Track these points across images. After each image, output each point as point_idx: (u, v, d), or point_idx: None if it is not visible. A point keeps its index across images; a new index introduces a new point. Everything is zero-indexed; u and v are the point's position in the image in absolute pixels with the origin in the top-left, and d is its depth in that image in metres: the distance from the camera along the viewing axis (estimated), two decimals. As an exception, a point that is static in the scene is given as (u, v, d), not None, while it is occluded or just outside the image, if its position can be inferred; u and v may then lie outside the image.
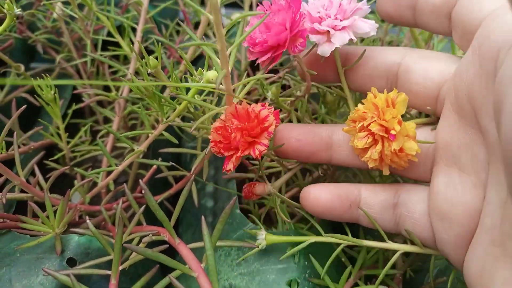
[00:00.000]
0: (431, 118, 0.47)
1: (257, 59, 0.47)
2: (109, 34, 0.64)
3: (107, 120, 0.76)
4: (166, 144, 0.61)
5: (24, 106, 0.51)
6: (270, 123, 0.44)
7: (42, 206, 0.49)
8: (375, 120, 0.42)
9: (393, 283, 0.54)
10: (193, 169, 0.52)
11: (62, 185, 0.67)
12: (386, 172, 0.44)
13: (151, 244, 0.48)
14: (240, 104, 0.46)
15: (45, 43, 0.76)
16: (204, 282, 0.39)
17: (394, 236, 0.49)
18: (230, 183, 0.64)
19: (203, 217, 0.40)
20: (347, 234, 0.49)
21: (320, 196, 0.47)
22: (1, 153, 0.52)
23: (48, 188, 0.51)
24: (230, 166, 0.45)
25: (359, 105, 0.44)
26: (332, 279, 0.50)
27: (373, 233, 0.56)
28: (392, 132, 0.41)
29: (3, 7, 0.54)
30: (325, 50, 0.45)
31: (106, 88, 0.71)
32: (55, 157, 0.60)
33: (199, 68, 0.47)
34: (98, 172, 0.55)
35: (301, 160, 0.52)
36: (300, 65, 0.49)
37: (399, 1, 0.46)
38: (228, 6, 0.95)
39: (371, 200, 0.47)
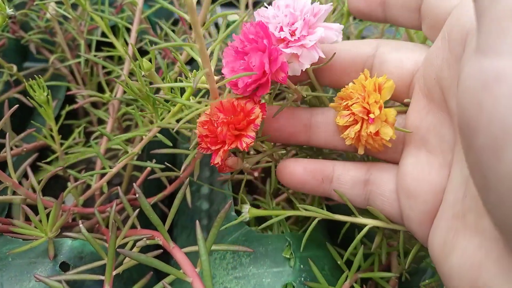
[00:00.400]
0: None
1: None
2: (103, 34, 0.63)
3: (101, 121, 0.75)
4: (160, 145, 0.61)
5: (16, 106, 0.51)
6: (256, 115, 0.44)
7: (35, 209, 0.48)
8: (359, 102, 0.43)
9: (389, 286, 0.54)
10: (182, 168, 0.52)
11: (55, 187, 0.67)
12: (361, 151, 0.46)
13: (146, 248, 0.47)
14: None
15: (38, 43, 0.75)
16: (196, 286, 0.39)
17: (365, 212, 0.50)
18: (225, 184, 0.63)
19: (197, 221, 0.40)
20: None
21: (295, 171, 0.49)
22: (-7, 155, 0.51)
23: (40, 190, 0.50)
24: (217, 159, 0.45)
25: (350, 84, 0.45)
26: (328, 282, 0.49)
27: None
28: (371, 115, 0.42)
29: (-5, 7, 0.53)
30: (295, 69, 0.45)
31: (100, 89, 0.70)
32: (48, 159, 0.59)
33: (194, 70, 0.47)
34: (91, 174, 0.55)
35: (281, 141, 0.53)
36: (289, 86, 0.49)
37: None
38: (223, 5, 0.94)
39: (343, 177, 0.48)
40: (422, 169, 0.42)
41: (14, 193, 0.50)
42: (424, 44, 0.47)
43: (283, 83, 0.45)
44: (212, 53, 0.45)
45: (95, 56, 0.66)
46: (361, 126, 0.44)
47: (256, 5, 0.85)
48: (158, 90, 0.53)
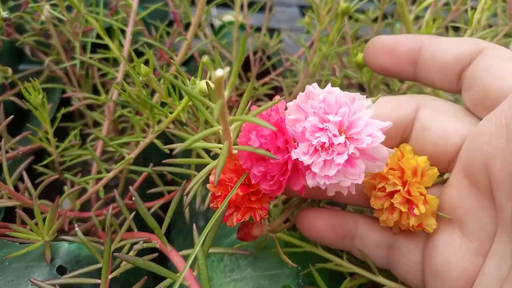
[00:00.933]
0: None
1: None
2: (98, 36, 0.63)
3: (96, 123, 0.75)
4: (157, 148, 0.61)
5: (11, 117, 0.50)
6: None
7: (31, 212, 0.48)
8: (400, 191, 0.40)
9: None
10: (184, 183, 0.51)
11: (51, 190, 0.66)
12: (395, 231, 0.43)
13: (143, 251, 0.47)
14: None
15: (33, 45, 0.75)
16: (194, 290, 0.39)
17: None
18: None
19: (194, 225, 0.40)
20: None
21: (315, 224, 0.46)
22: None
23: (37, 195, 0.50)
24: (229, 223, 0.43)
25: None
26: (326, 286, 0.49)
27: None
28: (416, 212, 0.39)
29: (-11, 10, 0.53)
30: (311, 183, 0.37)
31: (96, 91, 0.70)
32: (44, 162, 0.59)
33: (192, 77, 0.46)
34: (88, 179, 0.54)
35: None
36: None
37: (398, 54, 0.43)
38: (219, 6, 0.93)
39: (366, 237, 0.45)
40: (454, 252, 0.39)
41: (10, 197, 0.50)
42: (466, 110, 0.42)
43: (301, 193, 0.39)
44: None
45: (90, 58, 0.66)
46: (400, 216, 0.41)
47: (251, 5, 0.85)
48: (153, 92, 0.52)
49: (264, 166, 0.38)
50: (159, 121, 0.54)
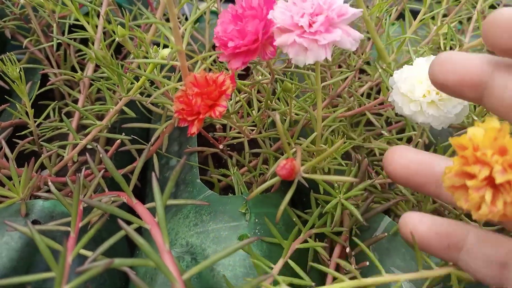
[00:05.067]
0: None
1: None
2: (77, 19, 0.67)
3: (76, 102, 0.79)
4: (133, 120, 0.65)
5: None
6: (227, 86, 0.49)
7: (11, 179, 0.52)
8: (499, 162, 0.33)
9: (340, 240, 0.59)
10: (151, 142, 0.56)
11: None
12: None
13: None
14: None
15: (14, 29, 0.79)
16: (155, 232, 0.43)
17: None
18: (192, 156, 0.68)
19: (153, 173, 0.44)
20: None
21: (417, 229, 0.41)
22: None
23: (14, 158, 0.54)
24: (193, 129, 0.49)
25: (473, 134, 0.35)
26: (282, 237, 0.54)
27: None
28: None
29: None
30: (299, 61, 0.45)
31: (75, 71, 0.74)
32: (22, 133, 0.63)
33: (155, 45, 0.51)
34: (62, 145, 0.59)
35: (410, 188, 0.49)
36: (269, 68, 0.53)
37: None
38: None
39: (476, 250, 0.39)
40: None
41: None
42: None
43: (270, 57, 0.48)
44: (183, 32, 0.49)
45: (78, 34, 0.70)
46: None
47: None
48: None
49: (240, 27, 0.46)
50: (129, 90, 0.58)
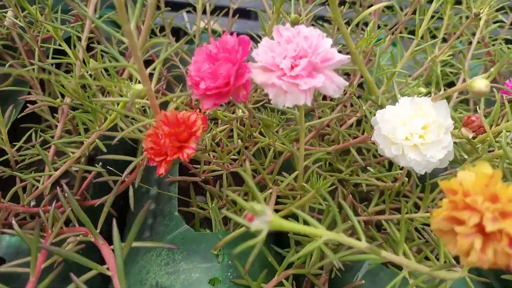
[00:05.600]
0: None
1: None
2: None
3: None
4: (115, 150, 0.64)
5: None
6: (197, 127, 0.47)
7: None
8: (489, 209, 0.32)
9: (319, 283, 0.57)
10: (125, 173, 0.54)
11: (10, 189, 0.69)
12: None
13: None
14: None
15: (1, 50, 0.78)
16: (115, 281, 0.42)
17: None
18: (172, 186, 0.66)
19: (114, 219, 0.43)
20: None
21: None
22: None
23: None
24: (161, 170, 0.47)
25: (463, 178, 0.34)
26: (256, 278, 0.52)
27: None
28: None
29: None
30: (278, 103, 0.44)
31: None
32: (2, 158, 0.62)
33: (127, 81, 0.50)
34: (34, 176, 0.57)
35: None
36: (246, 107, 0.51)
37: None
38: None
39: None
40: None
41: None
42: None
43: (242, 101, 0.46)
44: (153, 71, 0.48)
45: (52, 64, 0.69)
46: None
47: (215, 12, 0.88)
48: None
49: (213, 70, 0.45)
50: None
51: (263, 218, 0.37)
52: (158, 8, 0.84)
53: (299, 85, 0.43)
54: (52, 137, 0.64)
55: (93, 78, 0.52)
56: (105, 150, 0.54)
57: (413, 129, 0.51)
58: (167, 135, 0.46)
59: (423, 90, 0.78)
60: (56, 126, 0.76)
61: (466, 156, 0.61)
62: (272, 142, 0.63)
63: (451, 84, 0.85)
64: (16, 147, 0.63)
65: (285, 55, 0.44)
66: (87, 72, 0.62)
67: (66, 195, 0.46)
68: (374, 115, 0.54)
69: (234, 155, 0.62)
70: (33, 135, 0.70)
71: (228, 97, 0.46)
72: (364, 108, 0.58)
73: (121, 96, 0.47)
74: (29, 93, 0.77)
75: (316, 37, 0.46)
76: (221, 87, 0.45)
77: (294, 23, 0.68)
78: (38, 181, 0.61)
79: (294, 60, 0.44)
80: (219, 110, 0.60)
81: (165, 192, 0.65)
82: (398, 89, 0.57)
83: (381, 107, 0.69)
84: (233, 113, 0.61)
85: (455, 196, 0.34)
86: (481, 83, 0.45)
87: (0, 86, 0.78)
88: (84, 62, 0.61)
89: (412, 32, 0.83)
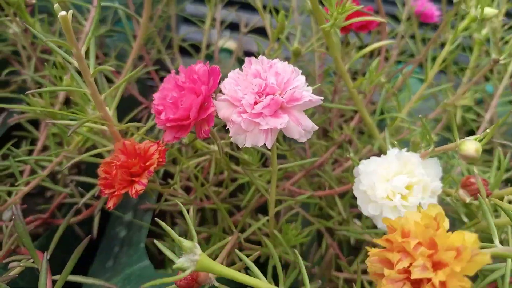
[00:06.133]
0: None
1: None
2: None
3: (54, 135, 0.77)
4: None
5: None
6: (152, 162, 0.43)
7: None
8: (430, 279, 0.29)
9: None
10: (81, 201, 0.52)
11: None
12: None
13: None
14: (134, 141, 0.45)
15: (9, 54, 0.79)
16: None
17: None
18: (147, 214, 0.63)
19: (44, 254, 0.40)
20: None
21: None
22: None
23: None
24: (110, 203, 0.43)
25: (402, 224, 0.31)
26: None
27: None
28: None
29: None
30: (237, 140, 0.40)
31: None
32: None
33: (82, 105, 0.48)
34: (7, 190, 0.56)
35: None
36: (214, 138, 0.48)
37: None
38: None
39: None
40: None
41: None
42: None
43: (204, 137, 0.43)
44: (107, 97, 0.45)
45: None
46: None
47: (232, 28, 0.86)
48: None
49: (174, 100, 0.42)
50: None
51: (191, 257, 0.33)
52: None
53: (259, 125, 0.39)
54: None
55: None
56: (66, 172, 0.52)
57: (395, 187, 0.45)
58: (119, 166, 0.43)
59: (435, 138, 0.71)
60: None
61: (466, 220, 0.55)
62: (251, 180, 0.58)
63: (471, 132, 0.77)
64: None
65: (250, 89, 0.40)
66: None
67: (14, 217, 0.44)
68: (358, 165, 0.49)
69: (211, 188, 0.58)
70: (24, 144, 0.70)
71: (188, 131, 0.43)
72: (350, 155, 0.53)
73: (77, 116, 0.44)
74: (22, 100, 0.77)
75: (289, 73, 0.41)
76: (181, 119, 0.42)
77: (296, 55, 0.65)
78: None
79: (258, 96, 0.40)
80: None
81: (138, 221, 0.63)
82: (387, 141, 0.51)
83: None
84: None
85: (393, 235, 0.31)
86: (470, 147, 0.39)
87: (2, 91, 0.79)
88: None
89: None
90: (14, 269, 0.46)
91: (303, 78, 0.41)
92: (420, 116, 0.47)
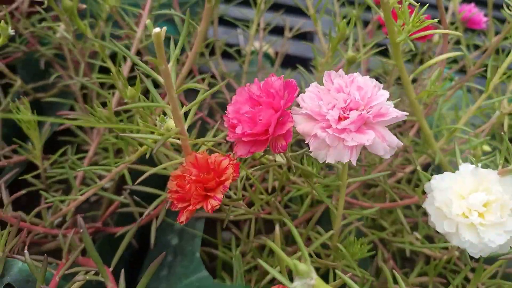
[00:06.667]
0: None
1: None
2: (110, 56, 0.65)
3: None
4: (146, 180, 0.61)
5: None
6: (227, 176, 0.42)
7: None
8: None
9: None
10: (147, 211, 0.51)
11: (37, 204, 0.68)
12: None
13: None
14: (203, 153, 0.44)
15: (52, 58, 0.78)
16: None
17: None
18: (198, 221, 0.62)
19: (122, 270, 0.40)
20: None
21: None
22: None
23: (6, 207, 0.52)
24: (183, 218, 0.43)
25: None
26: None
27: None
28: None
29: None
30: (318, 156, 0.40)
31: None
32: (29, 175, 0.61)
33: (162, 115, 0.47)
34: (62, 200, 0.56)
35: None
36: (287, 160, 0.47)
37: None
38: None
39: None
40: None
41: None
42: None
43: (280, 151, 0.42)
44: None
45: (98, 78, 0.68)
46: None
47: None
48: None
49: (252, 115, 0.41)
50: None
51: (307, 281, 0.32)
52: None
53: (345, 140, 0.38)
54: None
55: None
56: (130, 183, 0.51)
57: (472, 205, 0.44)
58: (194, 181, 0.42)
59: (488, 148, 0.70)
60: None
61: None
62: (311, 190, 0.58)
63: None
64: (49, 162, 0.62)
65: (333, 104, 0.40)
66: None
67: (81, 230, 0.43)
68: (429, 180, 0.47)
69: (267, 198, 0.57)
70: (70, 149, 0.69)
71: (265, 146, 0.42)
72: (417, 168, 0.52)
73: (153, 130, 0.44)
74: (71, 107, 0.77)
75: (371, 88, 0.41)
76: (258, 134, 0.41)
77: (350, 62, 0.63)
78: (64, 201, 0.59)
79: (343, 111, 0.39)
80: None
81: (190, 229, 0.62)
82: (458, 145, 0.50)
83: (439, 166, 0.62)
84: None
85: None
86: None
87: (45, 96, 0.78)
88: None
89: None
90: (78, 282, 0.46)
91: (387, 93, 0.40)
92: (502, 133, 0.45)
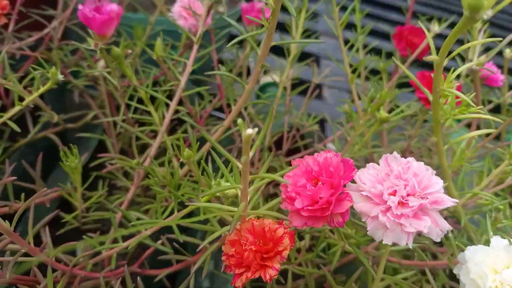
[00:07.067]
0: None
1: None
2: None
3: (127, 174, 0.77)
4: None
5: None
6: (284, 246, 0.44)
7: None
8: None
9: None
10: (195, 267, 0.53)
11: (73, 239, 0.69)
12: None
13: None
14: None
15: (84, 90, 0.79)
16: None
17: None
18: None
19: None
20: None
21: None
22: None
23: (53, 256, 0.53)
24: (239, 283, 0.45)
25: None
26: None
27: None
28: None
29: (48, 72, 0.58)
30: (377, 236, 0.43)
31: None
32: (70, 217, 0.62)
33: (218, 178, 0.49)
34: (104, 248, 0.57)
35: None
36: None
37: None
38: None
39: None
40: None
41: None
42: None
43: (336, 226, 0.45)
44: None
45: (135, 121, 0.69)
46: None
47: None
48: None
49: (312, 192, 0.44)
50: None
51: None
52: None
53: (403, 226, 0.42)
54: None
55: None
56: (179, 235, 0.53)
57: (505, 280, 0.47)
58: (254, 251, 0.44)
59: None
60: (124, 174, 0.76)
61: None
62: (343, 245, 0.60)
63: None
64: (86, 205, 0.63)
65: (394, 190, 0.43)
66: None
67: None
68: (463, 251, 0.51)
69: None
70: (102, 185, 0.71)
71: (323, 222, 0.44)
72: (449, 235, 0.55)
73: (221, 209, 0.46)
74: (100, 141, 0.78)
75: (427, 175, 0.44)
76: (318, 211, 0.44)
77: (383, 122, 0.67)
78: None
79: (402, 198, 0.43)
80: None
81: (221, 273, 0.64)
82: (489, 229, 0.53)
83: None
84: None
85: None
86: None
87: (74, 127, 0.79)
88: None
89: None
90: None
91: (441, 181, 0.43)
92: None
